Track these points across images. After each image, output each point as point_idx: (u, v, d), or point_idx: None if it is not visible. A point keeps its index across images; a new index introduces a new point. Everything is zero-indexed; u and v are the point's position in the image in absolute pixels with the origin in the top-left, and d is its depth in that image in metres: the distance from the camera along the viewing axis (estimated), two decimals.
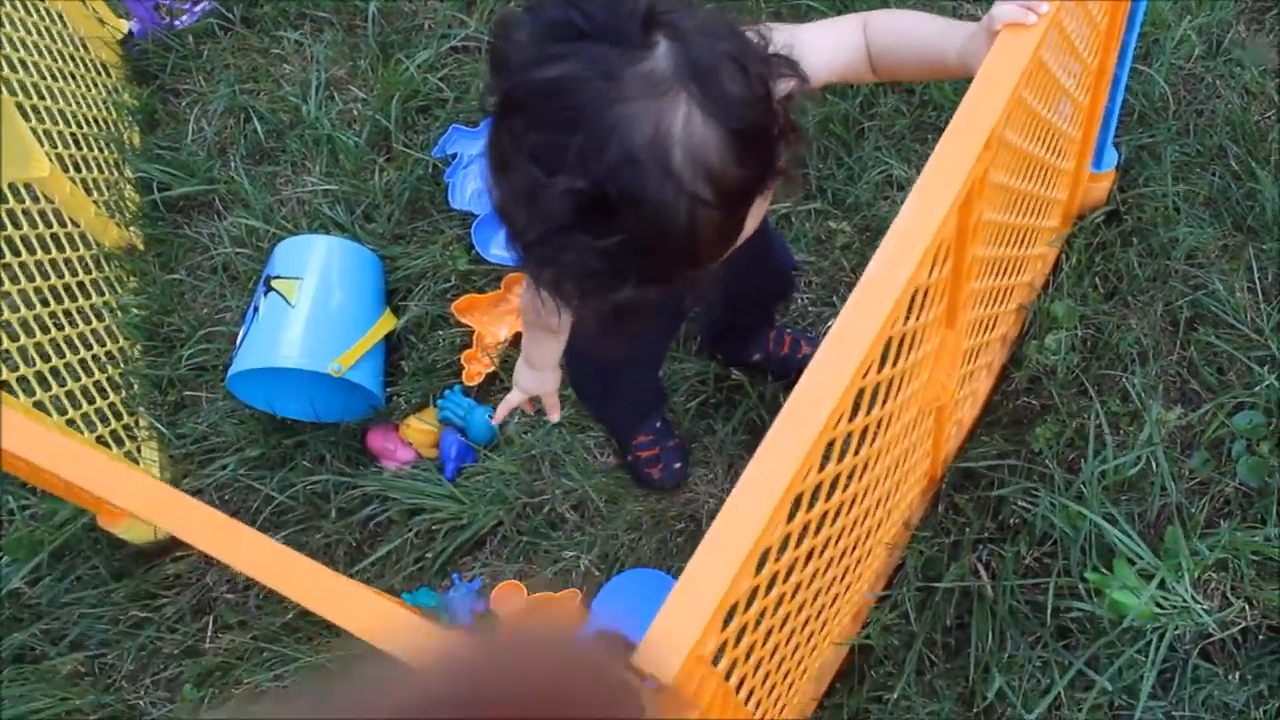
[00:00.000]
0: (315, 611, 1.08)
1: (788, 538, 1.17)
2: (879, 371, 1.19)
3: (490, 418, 1.89)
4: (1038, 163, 1.69)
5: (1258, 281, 2.03)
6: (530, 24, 1.05)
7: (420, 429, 2.25)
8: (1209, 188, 2.12)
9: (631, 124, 1.00)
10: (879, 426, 1.32)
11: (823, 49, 1.38)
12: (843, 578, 1.58)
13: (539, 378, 1.75)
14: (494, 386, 2.30)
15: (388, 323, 2.33)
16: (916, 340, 1.34)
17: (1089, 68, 1.77)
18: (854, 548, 1.57)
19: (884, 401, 1.28)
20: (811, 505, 1.19)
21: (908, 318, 1.25)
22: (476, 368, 2.30)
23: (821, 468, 1.15)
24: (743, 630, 1.16)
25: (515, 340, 2.30)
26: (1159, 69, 2.23)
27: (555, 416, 1.81)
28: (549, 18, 1.04)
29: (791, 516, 1.12)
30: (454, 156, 2.56)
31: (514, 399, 1.78)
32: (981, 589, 1.84)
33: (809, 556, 1.30)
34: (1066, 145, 1.89)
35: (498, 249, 2.43)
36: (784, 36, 1.19)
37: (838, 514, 1.33)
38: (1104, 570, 1.80)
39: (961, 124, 1.18)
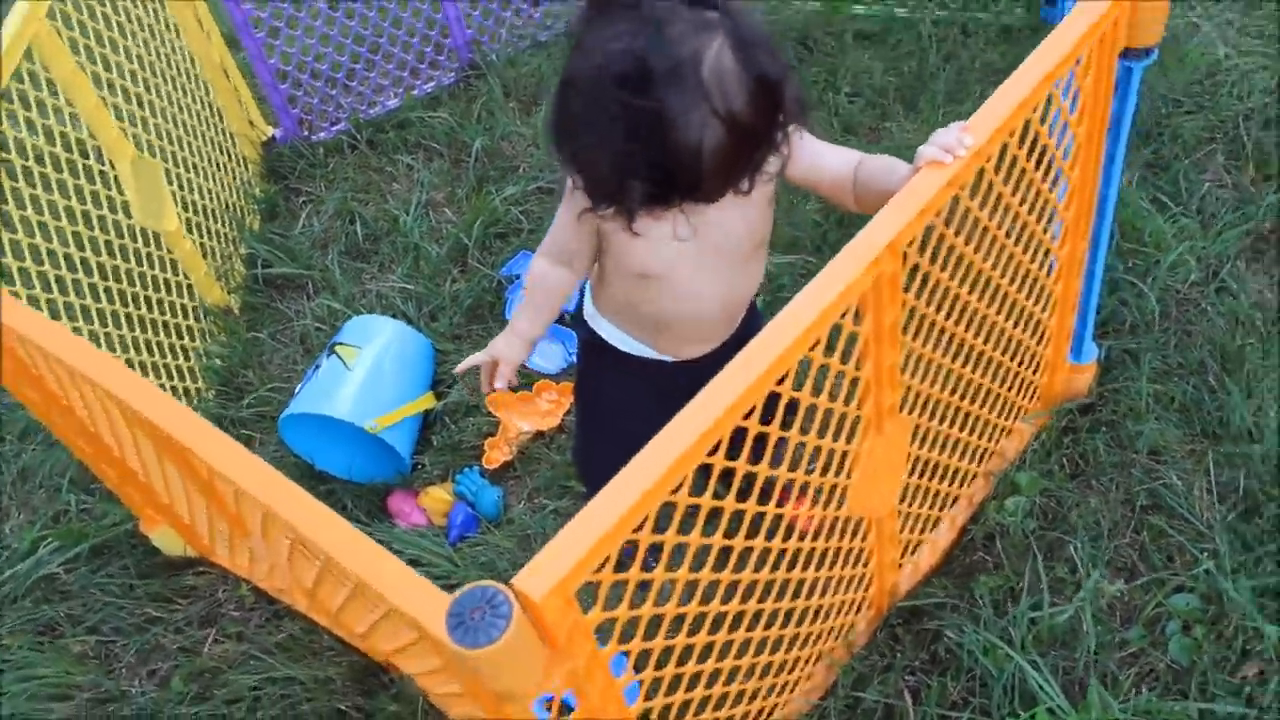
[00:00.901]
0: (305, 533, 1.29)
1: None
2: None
3: (455, 371, 1.97)
4: (991, 321, 1.89)
5: (1214, 484, 2.17)
6: None
7: (436, 498, 2.47)
8: (1183, 395, 2.29)
9: (680, 39, 1.36)
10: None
11: (822, 153, 1.70)
12: (771, 647, 1.73)
13: (511, 344, 1.85)
14: (509, 473, 2.52)
15: (428, 401, 2.60)
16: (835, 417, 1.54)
17: (1058, 252, 1.99)
18: (781, 621, 1.72)
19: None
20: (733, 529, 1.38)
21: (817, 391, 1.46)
22: (496, 454, 2.53)
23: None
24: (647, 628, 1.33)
25: (535, 435, 2.54)
26: (1153, 286, 2.44)
27: (500, 384, 1.87)
28: None
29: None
30: (517, 277, 2.87)
31: (478, 357, 1.88)
32: (904, 711, 1.96)
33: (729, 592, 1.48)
34: (1040, 324, 2.09)
35: (537, 359, 2.70)
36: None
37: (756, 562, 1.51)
38: (1024, 715, 1.91)
39: (865, 234, 1.42)
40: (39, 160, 2.38)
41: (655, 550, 1.35)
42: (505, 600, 1.09)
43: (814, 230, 2.80)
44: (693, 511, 1.33)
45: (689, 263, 1.71)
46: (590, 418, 2.12)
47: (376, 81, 3.56)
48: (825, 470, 1.63)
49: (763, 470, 1.46)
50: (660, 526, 1.27)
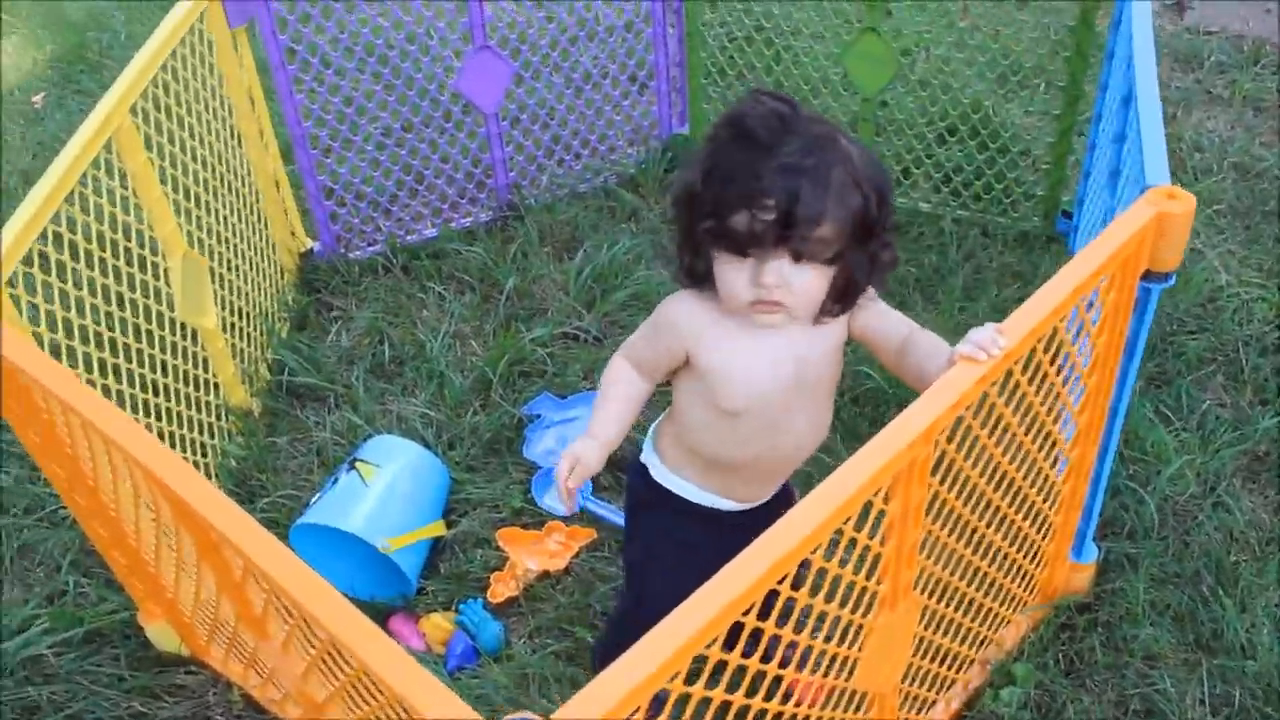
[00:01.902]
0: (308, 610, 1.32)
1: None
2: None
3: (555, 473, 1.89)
4: (1003, 512, 1.96)
5: (1207, 695, 2.21)
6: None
7: (437, 625, 2.49)
8: (1179, 604, 2.35)
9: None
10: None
11: (885, 312, 1.88)
12: None
13: (589, 446, 1.83)
14: (512, 609, 2.54)
15: (438, 528, 2.64)
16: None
17: (1069, 453, 2.08)
18: None
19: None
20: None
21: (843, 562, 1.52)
22: (501, 589, 2.56)
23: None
24: None
25: (541, 574, 2.57)
26: (1152, 494, 2.52)
27: (574, 484, 1.82)
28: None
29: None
30: (537, 417, 2.94)
31: (563, 465, 1.82)
32: None
33: None
34: (1046, 520, 2.16)
35: (550, 500, 2.75)
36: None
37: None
38: None
39: (903, 418, 1.51)
40: (100, 244, 2.46)
41: (655, 702, 1.38)
42: None
43: None
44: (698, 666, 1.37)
45: (780, 398, 1.83)
46: (649, 569, 2.10)
47: (417, 209, 3.68)
48: (837, 640, 1.67)
49: (786, 635, 1.50)
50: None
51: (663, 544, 2.02)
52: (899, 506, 1.60)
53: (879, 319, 1.87)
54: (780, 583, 1.37)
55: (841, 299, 1.79)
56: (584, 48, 3.77)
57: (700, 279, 1.81)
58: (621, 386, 1.91)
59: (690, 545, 1.92)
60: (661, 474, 1.99)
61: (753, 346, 1.81)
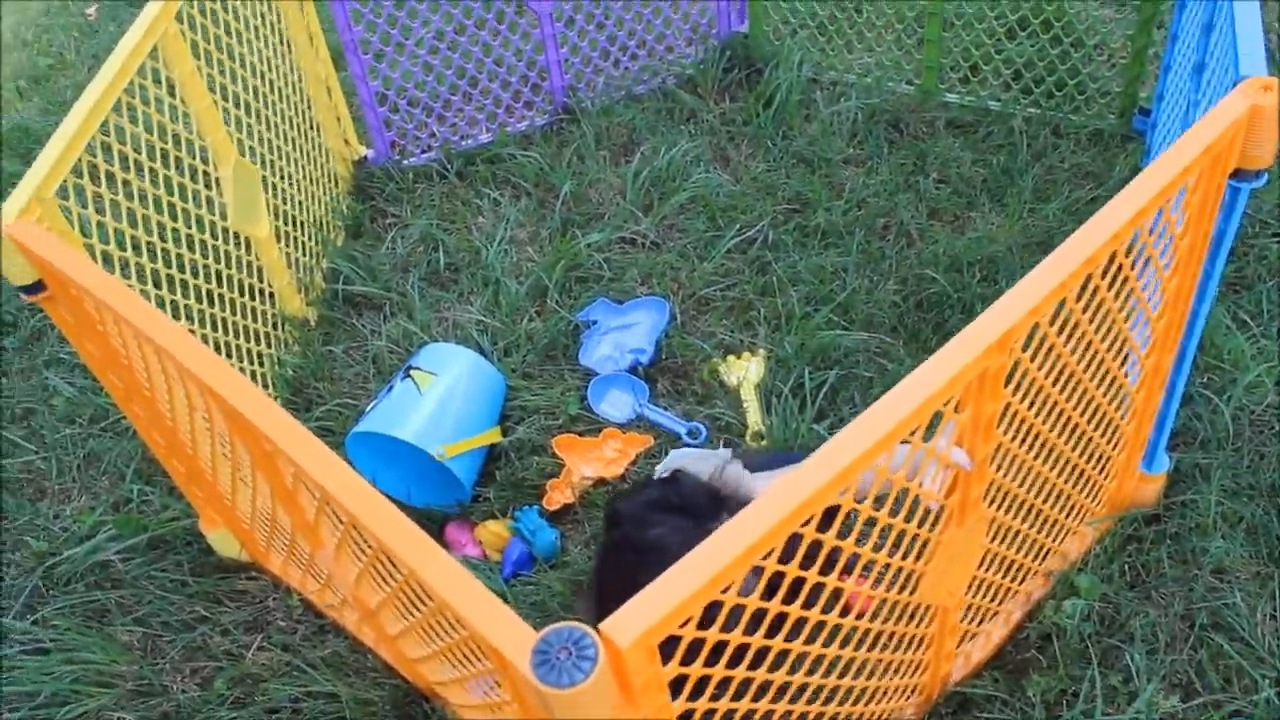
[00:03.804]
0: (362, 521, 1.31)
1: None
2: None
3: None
4: (1074, 422, 1.90)
5: (1278, 610, 2.15)
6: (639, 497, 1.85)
7: (493, 531, 2.48)
8: (1251, 516, 2.28)
9: None
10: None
11: None
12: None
13: None
14: (568, 515, 2.53)
15: (495, 435, 2.62)
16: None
17: (1145, 361, 2.00)
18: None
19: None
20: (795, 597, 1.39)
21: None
22: (557, 496, 2.54)
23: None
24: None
25: (598, 481, 2.56)
26: (1228, 403, 2.43)
27: None
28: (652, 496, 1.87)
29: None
30: (594, 323, 2.90)
31: None
32: None
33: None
34: (1117, 430, 2.09)
35: (606, 407, 2.72)
36: None
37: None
38: None
39: (975, 326, 1.44)
40: (149, 154, 2.43)
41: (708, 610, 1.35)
42: (592, 644, 1.10)
43: (891, 311, 2.82)
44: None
45: None
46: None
47: (471, 114, 3.62)
48: (900, 554, 1.63)
49: (848, 547, 1.47)
50: None
51: None
52: (970, 417, 1.55)
53: None
54: (842, 494, 1.33)
55: None
56: None
57: None
58: None
59: None
60: None
61: None
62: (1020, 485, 1.89)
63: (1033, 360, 1.63)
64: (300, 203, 3.05)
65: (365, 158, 3.49)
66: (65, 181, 2.00)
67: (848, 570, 1.53)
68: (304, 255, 3.05)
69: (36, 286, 1.92)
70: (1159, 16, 3.20)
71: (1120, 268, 1.71)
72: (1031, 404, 1.73)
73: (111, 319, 1.86)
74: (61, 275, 1.82)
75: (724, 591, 1.23)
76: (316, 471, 1.42)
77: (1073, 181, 3.17)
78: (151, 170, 2.44)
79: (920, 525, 1.62)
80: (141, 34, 2.29)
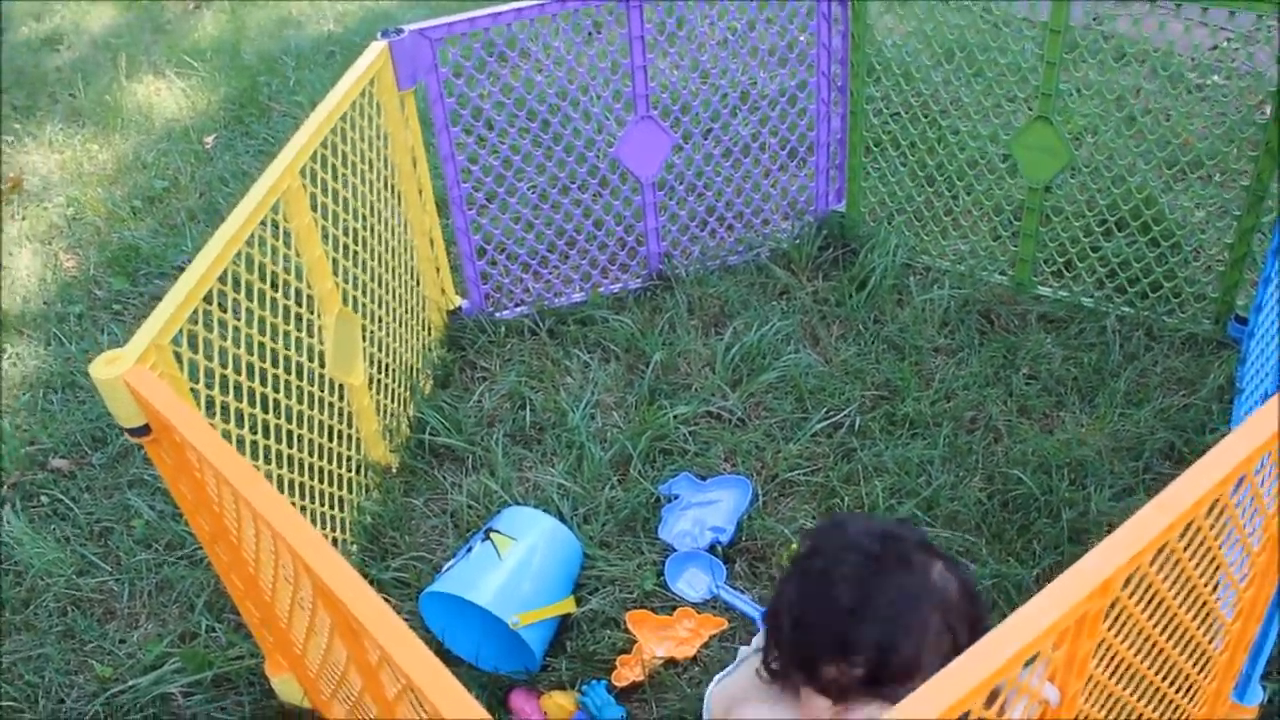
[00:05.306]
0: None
1: None
2: None
3: None
4: (1167, 655, 1.84)
5: None
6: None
7: (559, 704, 2.45)
8: None
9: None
10: None
11: None
12: None
13: None
14: (636, 694, 2.49)
15: (568, 605, 2.61)
16: None
17: (1242, 594, 1.94)
18: None
19: None
20: None
21: None
22: (627, 672, 2.51)
23: None
24: None
25: (668, 661, 2.52)
26: None
27: None
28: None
29: None
30: (675, 497, 2.89)
31: None
32: None
33: None
34: (1209, 660, 2.02)
35: (683, 585, 2.70)
36: None
37: None
38: None
39: (1078, 568, 1.41)
40: (260, 302, 2.50)
41: None
42: None
43: (976, 509, 2.78)
44: None
45: None
46: None
47: (566, 273, 3.69)
48: None
49: None
50: None
51: None
52: (1064, 656, 1.51)
53: None
54: None
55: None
56: (744, 119, 3.75)
57: (782, 678, 1.82)
58: None
59: None
60: None
61: None
62: (1109, 715, 1.83)
63: (1131, 597, 1.59)
64: (394, 350, 3.11)
65: (460, 308, 3.57)
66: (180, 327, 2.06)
67: None
68: (392, 402, 3.10)
69: (143, 430, 1.97)
70: (1260, 226, 3.20)
71: (1223, 507, 1.68)
72: (1125, 638, 1.68)
73: (211, 474, 1.90)
74: (168, 423, 1.86)
75: None
76: (404, 661, 1.41)
77: (1165, 386, 3.14)
78: (261, 318, 2.50)
79: None
80: (268, 187, 2.38)
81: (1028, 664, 1.45)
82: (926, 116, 3.70)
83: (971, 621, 1.70)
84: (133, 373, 1.92)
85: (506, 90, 3.48)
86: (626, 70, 3.31)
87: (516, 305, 3.64)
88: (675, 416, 3.09)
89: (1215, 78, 4.40)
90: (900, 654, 1.61)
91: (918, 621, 1.64)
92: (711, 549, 2.75)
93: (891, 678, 1.61)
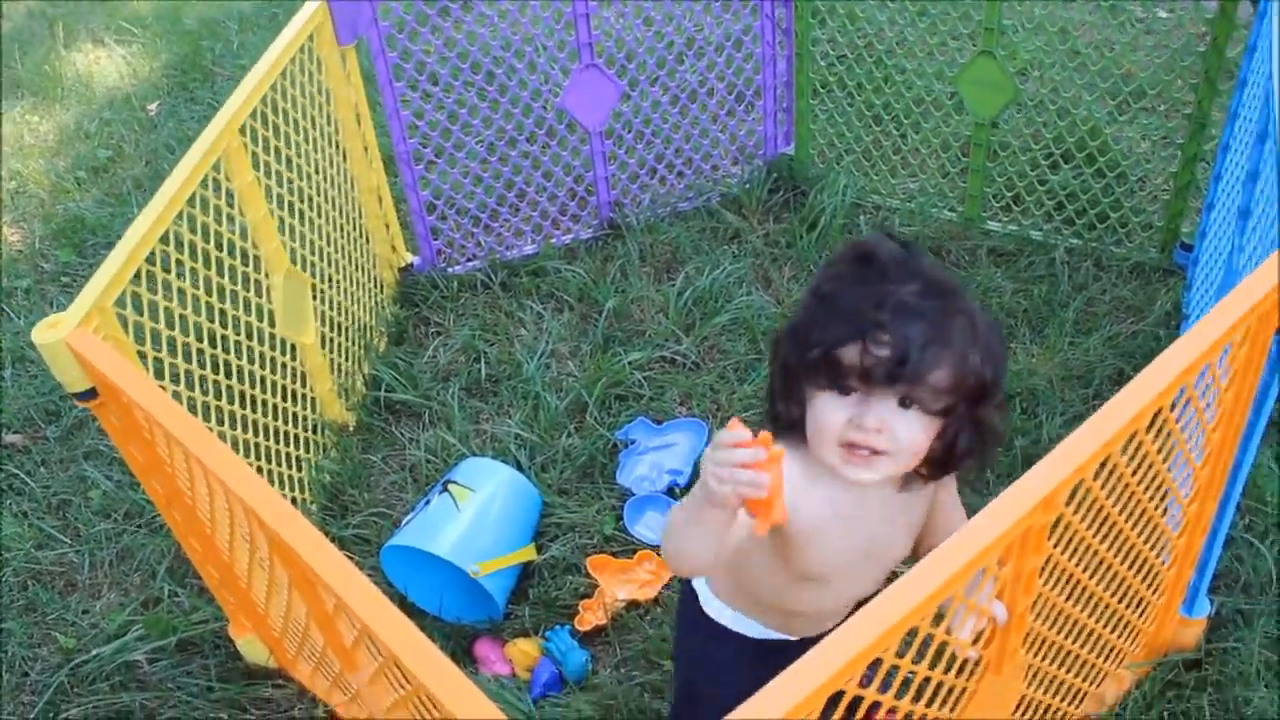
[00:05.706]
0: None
1: None
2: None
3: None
4: (1115, 571, 1.88)
5: None
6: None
7: (523, 650, 2.47)
8: None
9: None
10: None
11: (956, 504, 1.83)
12: None
13: None
14: (599, 638, 2.51)
15: (529, 553, 2.62)
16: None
17: (1186, 509, 1.99)
18: None
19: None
20: None
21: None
22: (589, 616, 2.53)
23: None
24: None
25: (630, 603, 2.54)
26: (1270, 547, 2.40)
27: None
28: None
29: None
30: (632, 442, 2.91)
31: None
32: None
33: None
34: (1158, 576, 2.07)
35: (642, 528, 2.72)
36: None
37: None
38: None
39: (1019, 485, 1.43)
40: (204, 262, 2.48)
41: None
42: None
43: None
44: None
45: (862, 563, 1.75)
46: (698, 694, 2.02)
47: (517, 225, 3.68)
48: (932, 702, 1.61)
49: (887, 701, 1.45)
50: None
51: (712, 665, 1.93)
52: (1011, 572, 1.53)
53: (951, 509, 1.82)
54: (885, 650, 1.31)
55: (936, 466, 1.64)
56: (690, 65, 3.73)
57: (788, 428, 1.65)
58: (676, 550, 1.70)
59: (745, 665, 1.85)
60: (714, 608, 1.88)
61: (839, 512, 1.67)
62: (1058, 632, 1.86)
63: (1075, 513, 1.62)
64: (346, 308, 3.09)
65: (411, 265, 3.55)
66: (123, 288, 2.05)
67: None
68: (346, 360, 3.09)
69: (89, 394, 1.95)
70: (1202, 154, 3.24)
71: (1165, 421, 1.71)
72: (1073, 554, 1.72)
73: (162, 434, 1.89)
74: (114, 385, 1.85)
75: None
76: (360, 607, 1.41)
77: (1114, 315, 3.18)
78: (206, 278, 2.48)
79: (957, 675, 1.60)
80: (206, 146, 2.35)
81: (974, 582, 1.48)
82: (872, 57, 3.70)
83: (994, 352, 1.59)
84: (75, 335, 1.90)
85: (450, 44, 3.45)
86: (570, 19, 3.29)
87: (468, 260, 3.63)
88: (630, 363, 3.10)
89: (1159, 11, 4.43)
90: (926, 341, 1.50)
91: (949, 316, 1.53)
92: (669, 491, 2.77)
93: (915, 364, 1.50)
